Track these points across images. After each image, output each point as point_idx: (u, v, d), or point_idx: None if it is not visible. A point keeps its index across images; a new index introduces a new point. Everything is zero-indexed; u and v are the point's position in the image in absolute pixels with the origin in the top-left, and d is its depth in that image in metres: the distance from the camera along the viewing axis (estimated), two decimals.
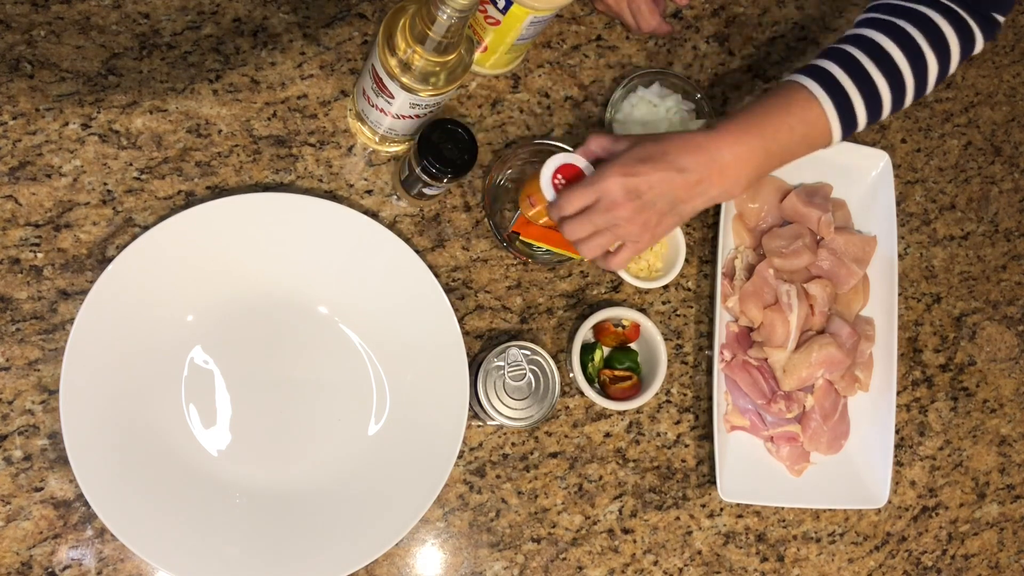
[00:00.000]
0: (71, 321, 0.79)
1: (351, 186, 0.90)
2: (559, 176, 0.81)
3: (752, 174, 0.80)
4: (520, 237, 0.92)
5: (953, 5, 0.82)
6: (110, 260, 0.80)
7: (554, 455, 0.93)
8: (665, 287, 0.99)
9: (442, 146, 0.81)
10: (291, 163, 0.89)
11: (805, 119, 0.80)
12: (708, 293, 1.00)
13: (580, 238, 0.80)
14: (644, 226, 0.79)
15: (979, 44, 0.84)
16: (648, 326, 0.93)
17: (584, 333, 0.91)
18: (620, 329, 0.94)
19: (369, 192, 0.91)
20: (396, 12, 0.75)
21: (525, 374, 0.86)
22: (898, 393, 1.04)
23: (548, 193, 0.81)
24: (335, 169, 0.90)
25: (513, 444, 0.92)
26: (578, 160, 0.82)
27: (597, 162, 0.83)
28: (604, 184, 0.77)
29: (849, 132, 0.82)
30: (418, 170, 0.82)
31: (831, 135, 0.81)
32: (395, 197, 0.91)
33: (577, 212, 0.79)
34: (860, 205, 1.05)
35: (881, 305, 1.03)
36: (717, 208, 1.01)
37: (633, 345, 0.96)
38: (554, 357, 0.91)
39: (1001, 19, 0.84)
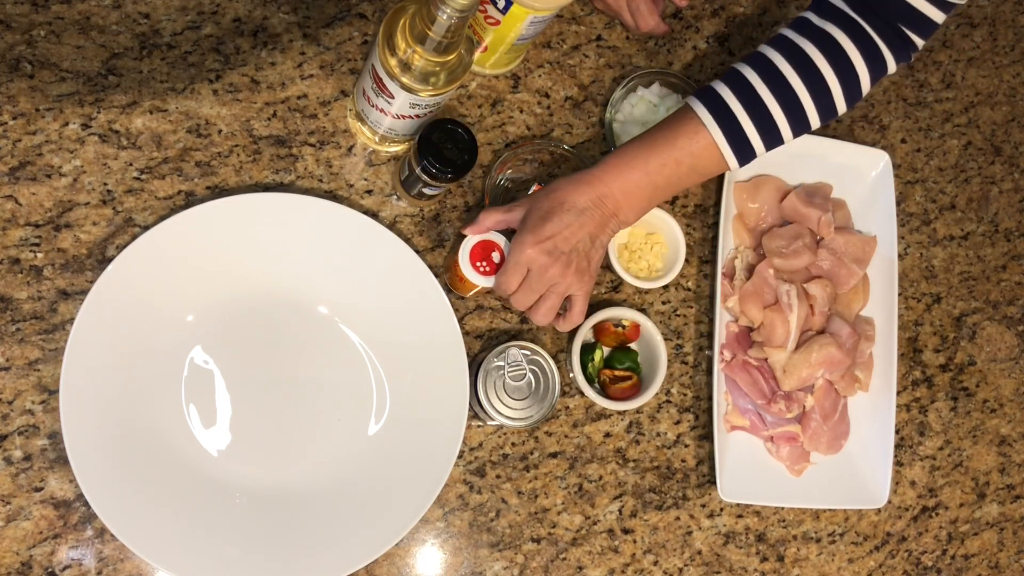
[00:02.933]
0: (71, 321, 0.79)
1: (351, 186, 0.90)
2: (479, 262, 0.83)
3: (644, 205, 0.82)
4: None
5: (865, 24, 0.80)
6: (110, 260, 0.80)
7: (554, 455, 0.93)
8: (665, 287, 0.99)
9: (442, 146, 0.81)
10: (291, 163, 0.89)
11: (692, 151, 0.80)
12: (708, 293, 1.00)
13: (529, 307, 0.83)
14: (579, 272, 0.81)
15: (891, 66, 0.82)
16: (648, 326, 0.93)
17: (584, 333, 0.91)
18: (620, 329, 0.94)
19: (369, 192, 0.91)
20: (396, 12, 0.75)
21: (525, 374, 0.86)
22: (898, 393, 1.04)
23: (476, 279, 0.83)
24: (335, 169, 0.90)
25: (513, 444, 0.92)
26: (488, 236, 0.84)
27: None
28: (524, 256, 0.80)
29: (747, 158, 0.81)
30: (418, 170, 0.82)
31: (725, 162, 0.81)
32: (395, 197, 0.91)
33: (518, 286, 0.82)
34: (860, 205, 1.05)
35: (881, 305, 1.03)
36: (717, 208, 1.01)
37: (633, 345, 0.96)
38: (554, 357, 0.91)
39: (919, 41, 0.82)
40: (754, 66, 0.81)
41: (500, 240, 0.84)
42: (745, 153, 0.81)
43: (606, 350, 0.95)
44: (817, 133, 1.03)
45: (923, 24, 0.80)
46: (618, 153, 0.82)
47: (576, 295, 0.83)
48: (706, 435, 0.97)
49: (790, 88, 0.80)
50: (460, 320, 0.90)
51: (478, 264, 0.83)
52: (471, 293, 0.88)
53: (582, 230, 0.80)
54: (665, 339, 0.94)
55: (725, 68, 1.05)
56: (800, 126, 0.82)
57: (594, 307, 0.95)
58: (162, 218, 0.82)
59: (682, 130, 0.81)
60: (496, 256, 0.84)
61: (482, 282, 0.84)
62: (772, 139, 0.81)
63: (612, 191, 0.80)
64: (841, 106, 0.82)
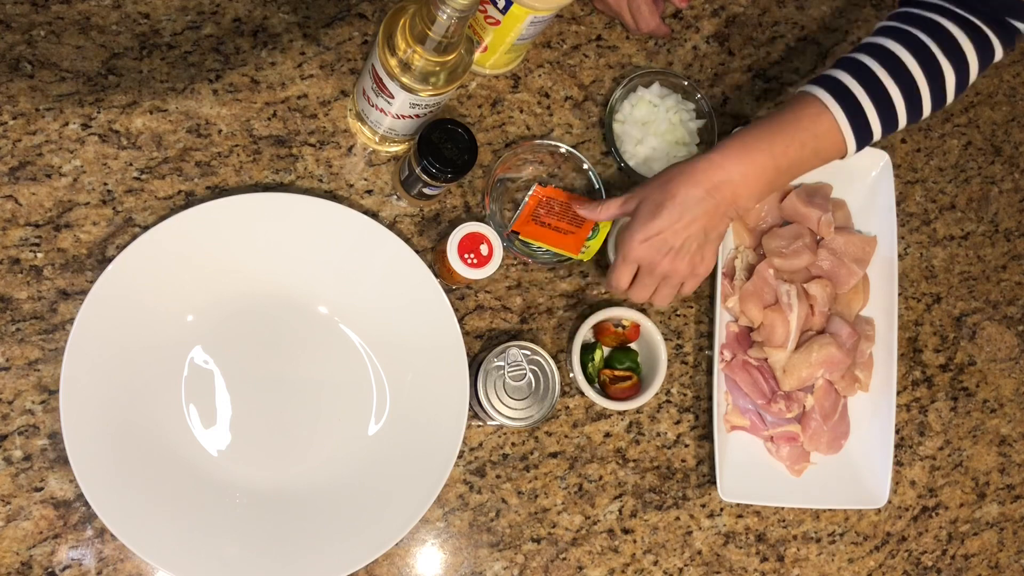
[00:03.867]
0: (71, 321, 0.79)
1: (351, 186, 0.90)
2: (467, 254, 0.84)
3: (764, 190, 0.81)
4: (520, 237, 0.92)
5: (968, 15, 0.80)
6: (110, 260, 0.80)
7: (554, 455, 0.93)
8: None
9: (442, 146, 0.81)
10: (291, 163, 0.89)
11: (816, 133, 0.79)
12: (708, 293, 1.00)
13: (646, 298, 0.84)
14: (691, 263, 0.81)
15: (999, 53, 0.82)
16: (648, 326, 0.93)
17: (584, 333, 0.91)
18: (620, 329, 0.94)
19: (369, 192, 0.91)
20: (396, 12, 0.75)
21: (525, 374, 0.86)
22: (898, 393, 1.04)
23: (464, 271, 0.84)
24: (335, 169, 0.90)
25: (513, 444, 0.92)
26: (474, 228, 0.84)
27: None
28: (634, 254, 0.80)
29: (864, 143, 0.81)
30: (418, 170, 0.82)
31: (845, 147, 0.80)
32: (395, 197, 0.91)
33: (630, 283, 0.83)
34: (860, 205, 1.05)
35: (881, 305, 1.03)
36: None
37: (633, 345, 0.96)
38: (554, 357, 0.91)
39: (1022, 26, 0.82)
40: (869, 53, 0.80)
41: (488, 233, 0.85)
42: (863, 136, 0.80)
43: (606, 350, 0.95)
44: None
45: (1022, 8, 0.80)
46: (738, 136, 0.80)
47: (689, 280, 0.83)
48: (706, 435, 0.97)
49: (908, 73, 0.79)
50: (460, 320, 0.90)
51: (466, 256, 0.84)
52: (458, 284, 0.89)
53: (694, 224, 0.79)
54: (665, 339, 0.94)
55: (725, 68, 1.05)
56: (914, 113, 0.81)
57: (594, 307, 0.95)
58: (162, 218, 0.82)
59: (804, 112, 0.79)
60: (484, 249, 0.84)
61: (469, 274, 0.84)
62: (889, 124, 0.80)
63: (731, 176, 0.79)
64: (951, 95, 0.81)
